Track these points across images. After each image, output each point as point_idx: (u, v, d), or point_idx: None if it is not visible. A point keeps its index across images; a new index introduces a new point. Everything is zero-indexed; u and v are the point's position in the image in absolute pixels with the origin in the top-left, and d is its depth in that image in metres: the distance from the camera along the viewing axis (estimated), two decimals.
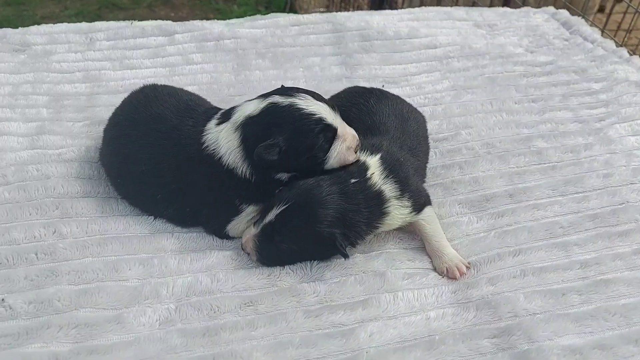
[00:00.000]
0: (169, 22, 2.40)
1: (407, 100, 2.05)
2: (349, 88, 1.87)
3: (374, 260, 1.49)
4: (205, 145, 1.43)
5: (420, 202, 1.53)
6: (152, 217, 1.55)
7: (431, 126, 1.97)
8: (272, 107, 1.40)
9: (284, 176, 1.45)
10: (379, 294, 1.39)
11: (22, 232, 1.44)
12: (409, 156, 1.59)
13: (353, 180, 1.43)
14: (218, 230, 1.51)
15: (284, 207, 1.36)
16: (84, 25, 2.35)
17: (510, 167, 1.81)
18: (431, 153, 1.85)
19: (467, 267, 1.47)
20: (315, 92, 1.46)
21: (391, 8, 3.39)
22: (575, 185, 1.72)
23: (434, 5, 3.25)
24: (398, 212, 1.49)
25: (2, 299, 1.27)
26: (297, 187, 1.39)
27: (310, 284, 1.41)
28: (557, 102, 2.10)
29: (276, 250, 1.41)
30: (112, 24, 2.38)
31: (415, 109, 1.84)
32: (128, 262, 1.41)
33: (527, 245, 1.54)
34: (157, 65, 2.16)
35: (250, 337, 1.28)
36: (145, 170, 1.48)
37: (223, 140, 1.42)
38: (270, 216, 1.38)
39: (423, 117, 1.85)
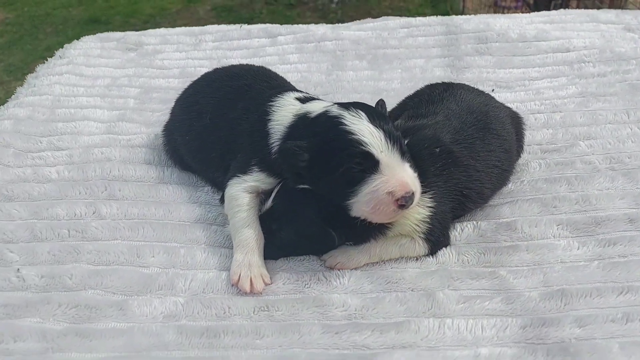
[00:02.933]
0: (277, 25, 2.36)
1: (518, 105, 1.76)
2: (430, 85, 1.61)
3: (427, 277, 1.23)
4: (268, 107, 1.32)
5: (438, 229, 1.26)
6: (196, 206, 1.44)
7: (542, 135, 1.65)
8: (324, 113, 1.21)
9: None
10: (422, 317, 1.12)
11: (66, 209, 1.42)
12: (463, 157, 1.32)
13: None
14: (221, 176, 1.38)
15: (283, 193, 1.22)
16: (196, 29, 2.40)
17: (639, 188, 1.41)
18: (535, 165, 1.52)
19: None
20: (384, 115, 1.24)
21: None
22: None
23: None
24: (415, 214, 1.23)
25: (18, 269, 1.24)
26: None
27: (342, 295, 1.19)
28: None
29: (274, 239, 1.26)
30: (222, 27, 2.40)
31: (505, 106, 1.54)
32: (153, 249, 1.31)
33: None
34: (251, 62, 2.10)
35: (252, 346, 1.09)
36: (208, 124, 1.43)
37: (281, 113, 1.29)
38: (269, 203, 1.24)
39: (517, 115, 1.55)
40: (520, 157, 1.52)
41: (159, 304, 1.18)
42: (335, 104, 1.24)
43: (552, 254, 1.27)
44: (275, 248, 1.28)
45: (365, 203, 1.14)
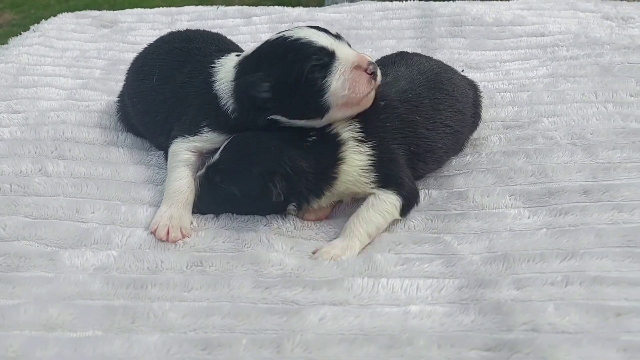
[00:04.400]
0: (253, 7, 2.35)
1: (486, 84, 1.74)
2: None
3: (372, 243, 1.19)
4: (211, 69, 1.32)
5: (389, 170, 1.22)
6: (145, 167, 1.42)
7: (506, 112, 1.63)
8: (265, 43, 1.25)
9: (282, 119, 1.24)
10: (356, 277, 1.09)
11: (12, 166, 1.39)
12: (404, 107, 1.30)
13: (313, 136, 1.23)
14: (165, 140, 1.35)
15: (231, 147, 1.19)
16: (173, 9, 2.40)
17: (598, 161, 1.39)
18: (495, 139, 1.50)
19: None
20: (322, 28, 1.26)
21: None
22: None
23: None
24: (355, 160, 1.20)
25: None
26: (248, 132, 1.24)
27: (280, 255, 1.16)
28: None
29: (216, 193, 1.23)
30: (199, 7, 2.40)
31: (462, 75, 1.53)
32: (94, 205, 1.28)
33: (588, 250, 1.13)
34: None
35: (179, 298, 1.06)
36: (154, 85, 1.41)
37: (223, 71, 1.30)
38: (216, 156, 1.21)
39: (473, 82, 1.54)
40: (478, 124, 1.49)
41: (92, 256, 1.15)
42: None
43: (501, 222, 1.24)
44: (217, 202, 1.26)
45: (340, 88, 1.17)
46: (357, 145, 1.23)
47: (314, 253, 1.18)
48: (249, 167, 1.19)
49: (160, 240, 1.19)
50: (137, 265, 1.14)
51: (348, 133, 1.24)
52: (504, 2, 2.27)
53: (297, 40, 1.19)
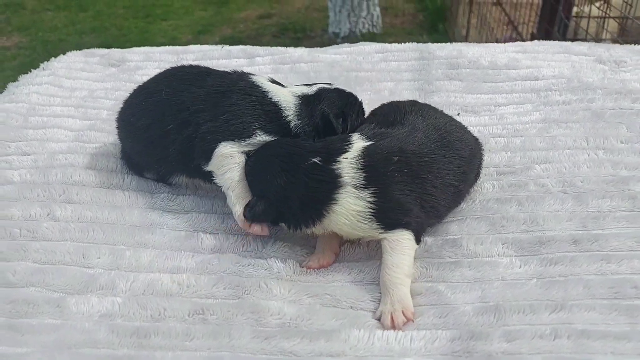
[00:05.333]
0: (257, 47, 2.41)
1: (481, 129, 1.79)
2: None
3: (367, 293, 1.24)
4: (255, 82, 1.52)
5: (393, 215, 1.25)
6: (149, 211, 1.47)
7: (500, 158, 1.67)
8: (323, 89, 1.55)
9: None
10: (352, 328, 1.13)
11: (21, 210, 1.44)
12: (417, 162, 1.34)
13: (314, 160, 1.31)
14: (212, 140, 1.42)
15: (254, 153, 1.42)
16: (179, 48, 2.46)
17: (588, 210, 1.43)
18: (489, 186, 1.54)
19: (408, 318, 1.16)
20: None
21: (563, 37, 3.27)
22: None
23: None
24: (352, 204, 1.25)
25: None
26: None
27: (280, 303, 1.20)
28: None
29: None
30: (204, 47, 2.46)
31: (471, 134, 1.55)
32: (99, 250, 1.33)
33: (577, 302, 1.17)
34: None
35: (181, 347, 1.10)
36: (163, 99, 1.51)
37: (281, 93, 1.51)
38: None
39: (478, 141, 1.56)
40: (476, 181, 1.53)
41: (97, 302, 1.19)
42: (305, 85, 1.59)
43: (493, 272, 1.28)
44: None
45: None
46: (356, 191, 1.27)
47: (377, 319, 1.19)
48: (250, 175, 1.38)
49: (252, 230, 1.34)
50: (141, 312, 1.18)
51: (349, 177, 1.28)
52: (499, 45, 2.33)
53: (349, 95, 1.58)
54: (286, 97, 1.49)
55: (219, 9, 6.73)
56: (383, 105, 1.63)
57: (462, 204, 1.48)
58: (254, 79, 1.53)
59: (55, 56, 2.32)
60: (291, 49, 2.36)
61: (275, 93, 1.49)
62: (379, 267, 1.27)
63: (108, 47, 2.52)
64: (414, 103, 1.59)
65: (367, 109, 1.89)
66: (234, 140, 1.41)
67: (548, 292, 1.20)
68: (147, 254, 1.33)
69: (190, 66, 1.67)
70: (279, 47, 2.39)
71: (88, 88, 2.13)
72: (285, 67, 2.23)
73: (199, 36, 5.78)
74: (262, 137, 1.43)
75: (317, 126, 1.48)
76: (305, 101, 1.51)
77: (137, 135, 1.54)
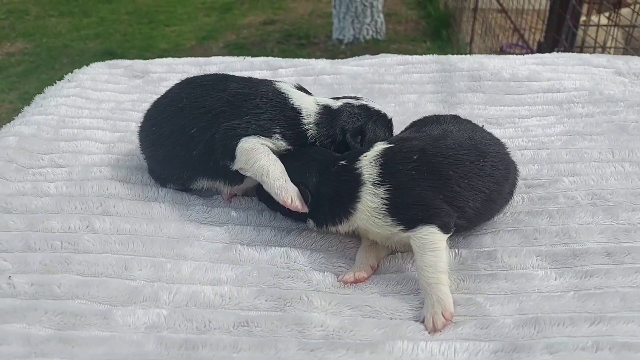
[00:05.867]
0: (279, 58, 2.44)
1: (506, 141, 1.79)
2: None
3: (406, 303, 1.26)
4: (278, 88, 1.55)
5: (408, 212, 1.29)
6: (186, 223, 1.49)
7: (527, 171, 1.69)
8: (348, 104, 1.59)
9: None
10: (396, 340, 1.15)
11: (60, 222, 1.46)
12: (440, 161, 1.35)
13: (341, 162, 1.40)
14: (233, 136, 1.45)
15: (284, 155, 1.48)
16: (201, 59, 2.49)
17: (619, 223, 1.45)
18: (518, 199, 1.56)
19: (447, 319, 1.18)
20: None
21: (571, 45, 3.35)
22: None
23: None
24: (369, 201, 1.32)
25: (10, 277, 1.28)
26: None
27: (322, 315, 1.22)
28: None
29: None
30: (227, 58, 2.49)
31: (508, 154, 1.53)
32: (141, 263, 1.35)
33: (614, 314, 1.19)
34: None
35: (229, 359, 1.11)
36: (185, 105, 1.54)
37: (304, 100, 1.54)
38: None
39: (514, 163, 1.54)
40: (510, 201, 1.52)
41: (142, 314, 1.21)
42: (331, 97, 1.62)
43: (529, 284, 1.30)
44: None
45: None
46: (373, 187, 1.32)
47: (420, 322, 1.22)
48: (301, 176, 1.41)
49: (292, 206, 1.37)
50: (187, 325, 1.20)
51: (368, 175, 1.34)
52: (519, 57, 2.36)
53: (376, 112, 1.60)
54: (308, 105, 1.53)
55: (222, 15, 6.79)
56: (424, 117, 1.65)
57: (494, 217, 1.50)
58: (278, 85, 1.57)
59: (60, 62, 2.34)
60: (313, 61, 2.39)
61: (298, 100, 1.53)
62: (417, 278, 1.30)
63: (112, 52, 2.55)
64: (454, 117, 1.61)
65: (393, 121, 1.92)
66: (254, 135, 1.45)
67: (585, 305, 1.22)
68: (187, 265, 1.35)
69: (210, 74, 1.71)
70: (301, 59, 2.42)
71: (115, 100, 2.16)
72: (309, 79, 2.26)
73: (203, 42, 5.82)
74: (279, 142, 1.47)
75: (335, 139, 1.52)
76: (328, 112, 1.54)
77: (160, 143, 1.57)
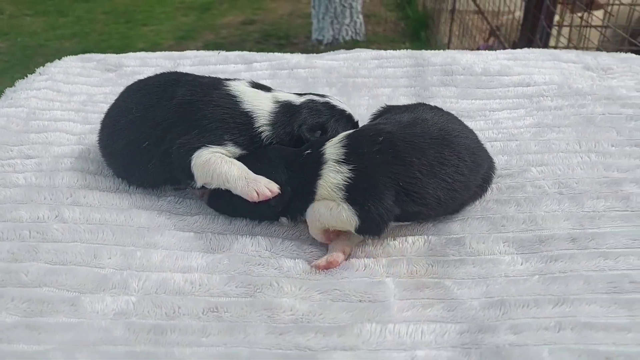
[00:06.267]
0: (253, 52, 2.45)
1: (477, 133, 1.82)
2: None
3: (375, 287, 1.27)
4: (229, 91, 1.51)
5: (361, 195, 1.32)
6: (156, 213, 1.49)
7: (497, 161, 1.69)
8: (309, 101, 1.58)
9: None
10: (364, 322, 1.16)
11: (29, 212, 1.45)
12: (404, 146, 1.37)
13: (308, 150, 1.43)
14: (185, 153, 1.43)
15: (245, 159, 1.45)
16: (175, 53, 2.49)
17: (584, 210, 1.48)
18: (488, 189, 1.58)
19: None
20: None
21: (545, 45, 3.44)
22: None
23: None
24: (331, 178, 1.34)
25: None
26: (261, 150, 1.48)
27: (292, 300, 1.23)
28: None
29: (226, 197, 1.42)
30: (201, 52, 2.49)
31: (485, 150, 1.55)
32: (110, 251, 1.34)
33: (578, 296, 1.21)
34: None
35: (198, 343, 1.12)
36: (135, 117, 1.52)
37: (258, 101, 1.51)
38: None
39: (491, 160, 1.57)
40: (481, 196, 1.53)
41: (111, 301, 1.21)
42: (295, 93, 1.62)
43: (496, 269, 1.32)
44: (223, 205, 1.48)
45: None
46: (336, 165, 1.35)
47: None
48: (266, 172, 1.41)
49: (267, 197, 1.35)
50: (155, 311, 1.20)
51: (331, 154, 1.37)
52: (491, 52, 2.40)
53: (334, 107, 1.58)
54: (263, 106, 1.50)
55: (201, 15, 6.76)
56: (403, 105, 1.67)
57: (462, 207, 1.52)
58: (230, 86, 1.53)
59: (36, 61, 2.32)
60: (288, 55, 2.40)
61: (251, 102, 1.50)
62: (387, 263, 1.32)
63: (89, 52, 2.53)
64: (434, 108, 1.62)
65: (366, 113, 1.93)
66: (204, 146, 1.43)
67: (550, 288, 1.25)
68: (158, 254, 1.35)
69: (160, 76, 1.66)
70: (276, 53, 2.42)
71: (87, 92, 2.14)
72: (283, 73, 2.27)
73: (181, 42, 5.80)
74: (232, 149, 1.46)
75: (293, 136, 1.50)
76: (286, 109, 1.52)
77: (117, 155, 1.57)
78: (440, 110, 1.63)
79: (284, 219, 1.45)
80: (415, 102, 1.78)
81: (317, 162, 1.38)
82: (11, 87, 2.19)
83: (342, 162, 1.35)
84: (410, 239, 1.42)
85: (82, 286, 1.25)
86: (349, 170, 1.34)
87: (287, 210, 1.42)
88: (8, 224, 1.41)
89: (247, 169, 1.40)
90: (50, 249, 1.33)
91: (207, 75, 1.66)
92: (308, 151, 1.42)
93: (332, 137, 1.44)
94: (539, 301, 1.20)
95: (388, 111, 1.63)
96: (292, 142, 1.50)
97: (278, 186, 1.37)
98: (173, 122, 1.47)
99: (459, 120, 1.61)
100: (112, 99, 2.02)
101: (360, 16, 5.80)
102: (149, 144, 1.48)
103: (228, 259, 1.35)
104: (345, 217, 1.32)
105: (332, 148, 1.39)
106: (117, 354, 1.08)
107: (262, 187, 1.35)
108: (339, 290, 1.25)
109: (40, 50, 5.54)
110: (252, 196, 1.34)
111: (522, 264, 1.33)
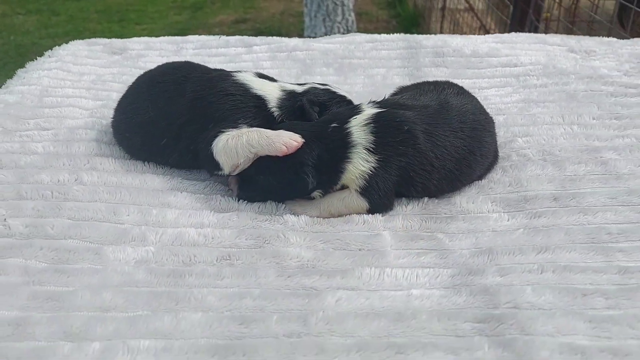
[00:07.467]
0: (252, 37, 2.55)
1: None
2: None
3: (373, 238, 1.38)
4: (237, 81, 1.59)
5: (374, 191, 1.44)
6: (169, 177, 1.60)
7: None
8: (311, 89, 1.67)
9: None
10: (364, 267, 1.27)
11: (50, 175, 1.55)
12: (429, 150, 1.46)
13: (333, 125, 1.47)
14: (205, 146, 1.49)
15: None
16: (178, 38, 2.58)
17: (566, 174, 1.60)
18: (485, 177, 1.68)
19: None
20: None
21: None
22: None
23: None
24: (362, 165, 1.41)
25: (5, 219, 1.36)
26: (283, 125, 1.49)
27: (297, 249, 1.33)
28: None
29: (255, 183, 1.47)
30: (203, 37, 2.58)
31: (493, 141, 1.66)
32: (128, 209, 1.45)
33: (559, 245, 1.33)
34: (228, 68, 2.27)
35: (213, 285, 1.22)
36: (150, 117, 1.59)
37: (267, 87, 1.60)
38: None
39: (497, 153, 1.68)
40: (479, 180, 1.63)
41: (132, 251, 1.31)
42: (297, 84, 1.68)
43: (484, 224, 1.44)
44: (254, 192, 1.49)
45: None
46: (366, 154, 1.42)
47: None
48: (283, 159, 1.42)
49: (292, 147, 1.41)
50: (173, 259, 1.30)
51: (360, 138, 1.43)
52: (480, 37, 2.52)
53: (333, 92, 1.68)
54: (272, 92, 1.59)
55: (193, 14, 6.82)
56: (425, 83, 1.77)
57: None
58: (238, 77, 1.61)
59: (29, 59, 2.37)
60: (286, 39, 2.50)
61: (260, 88, 1.58)
62: (384, 219, 1.44)
63: None
64: (459, 91, 1.68)
65: (362, 91, 2.05)
66: (221, 131, 1.48)
67: (534, 239, 1.36)
68: (172, 212, 1.46)
69: (169, 70, 1.71)
70: (275, 37, 2.53)
71: (95, 73, 2.24)
72: (282, 55, 2.38)
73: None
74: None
75: (295, 114, 1.58)
76: (292, 96, 1.61)
77: (137, 149, 1.67)
78: (464, 94, 1.70)
79: (316, 193, 1.48)
80: (402, 85, 1.89)
81: (345, 142, 1.43)
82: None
83: (372, 151, 1.42)
84: (404, 200, 1.53)
85: (104, 238, 1.35)
86: (376, 160, 1.42)
87: (318, 185, 1.46)
88: (31, 185, 1.51)
89: (264, 129, 1.46)
90: (72, 207, 1.43)
91: (214, 68, 1.74)
92: (334, 124, 1.46)
93: (354, 110, 1.51)
94: (523, 250, 1.32)
95: (415, 87, 1.73)
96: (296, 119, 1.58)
97: (299, 136, 1.42)
98: (188, 119, 1.55)
99: (481, 105, 1.70)
100: (120, 79, 2.14)
101: (352, 14, 5.89)
102: (167, 140, 1.57)
103: (237, 216, 1.45)
104: (356, 204, 1.45)
105: (360, 130, 1.43)
106: (140, 293, 1.19)
107: (288, 139, 1.40)
108: (340, 240, 1.36)
109: (34, 49, 5.58)
110: (281, 150, 1.39)
111: (508, 220, 1.45)
